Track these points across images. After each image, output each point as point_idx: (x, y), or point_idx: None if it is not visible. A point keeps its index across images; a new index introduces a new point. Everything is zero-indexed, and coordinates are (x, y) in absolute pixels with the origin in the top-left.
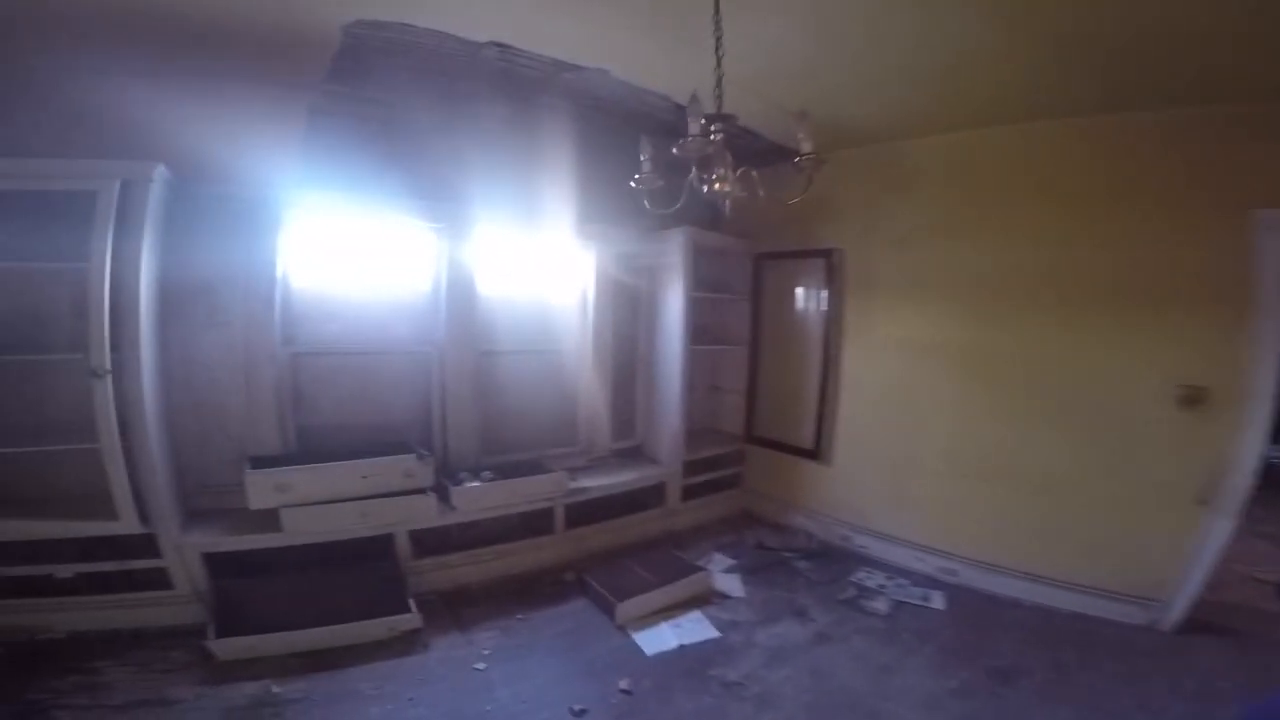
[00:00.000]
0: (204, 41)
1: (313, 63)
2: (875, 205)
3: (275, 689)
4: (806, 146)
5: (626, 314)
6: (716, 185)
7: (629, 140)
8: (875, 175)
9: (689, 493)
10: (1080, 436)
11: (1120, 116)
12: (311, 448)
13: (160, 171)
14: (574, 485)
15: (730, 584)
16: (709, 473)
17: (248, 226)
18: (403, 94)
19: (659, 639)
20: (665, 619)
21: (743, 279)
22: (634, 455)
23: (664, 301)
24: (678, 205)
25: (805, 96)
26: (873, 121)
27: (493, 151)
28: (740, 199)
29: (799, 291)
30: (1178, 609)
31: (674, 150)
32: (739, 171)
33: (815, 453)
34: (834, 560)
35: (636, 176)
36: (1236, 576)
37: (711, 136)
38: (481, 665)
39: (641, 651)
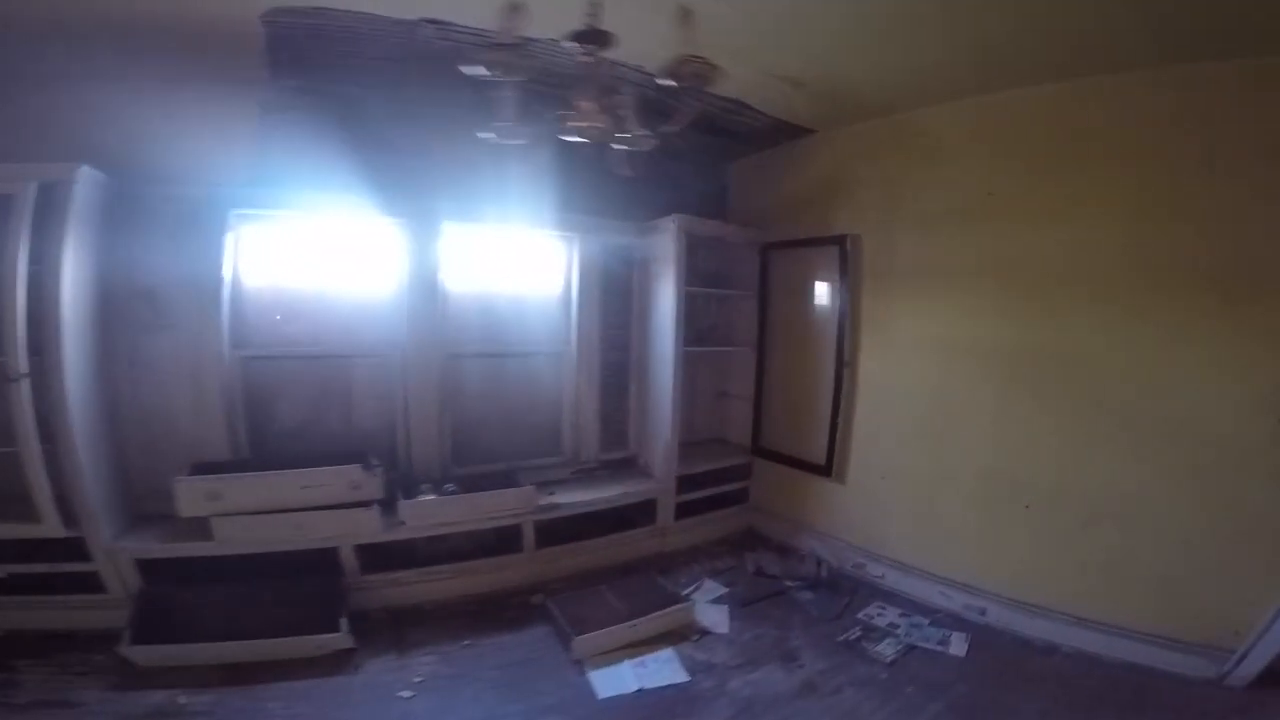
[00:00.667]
0: (126, 41)
1: (247, 58)
2: (895, 184)
3: (182, 700)
4: (687, 50)
5: (617, 313)
6: (579, 122)
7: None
8: (894, 150)
9: (685, 510)
10: (1151, 457)
11: (1214, 65)
12: (267, 455)
13: (84, 173)
14: (547, 500)
15: (715, 617)
16: (710, 488)
17: (195, 227)
18: (355, 84)
19: (617, 680)
20: (631, 655)
21: (750, 273)
22: (626, 467)
23: (656, 299)
24: (540, 156)
25: (803, 59)
26: (886, 87)
27: (460, 139)
28: (601, 134)
29: (810, 285)
30: (1256, 661)
31: (463, 69)
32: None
33: (827, 468)
34: (843, 591)
35: (490, 126)
36: None
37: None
38: (407, 694)
39: (593, 693)
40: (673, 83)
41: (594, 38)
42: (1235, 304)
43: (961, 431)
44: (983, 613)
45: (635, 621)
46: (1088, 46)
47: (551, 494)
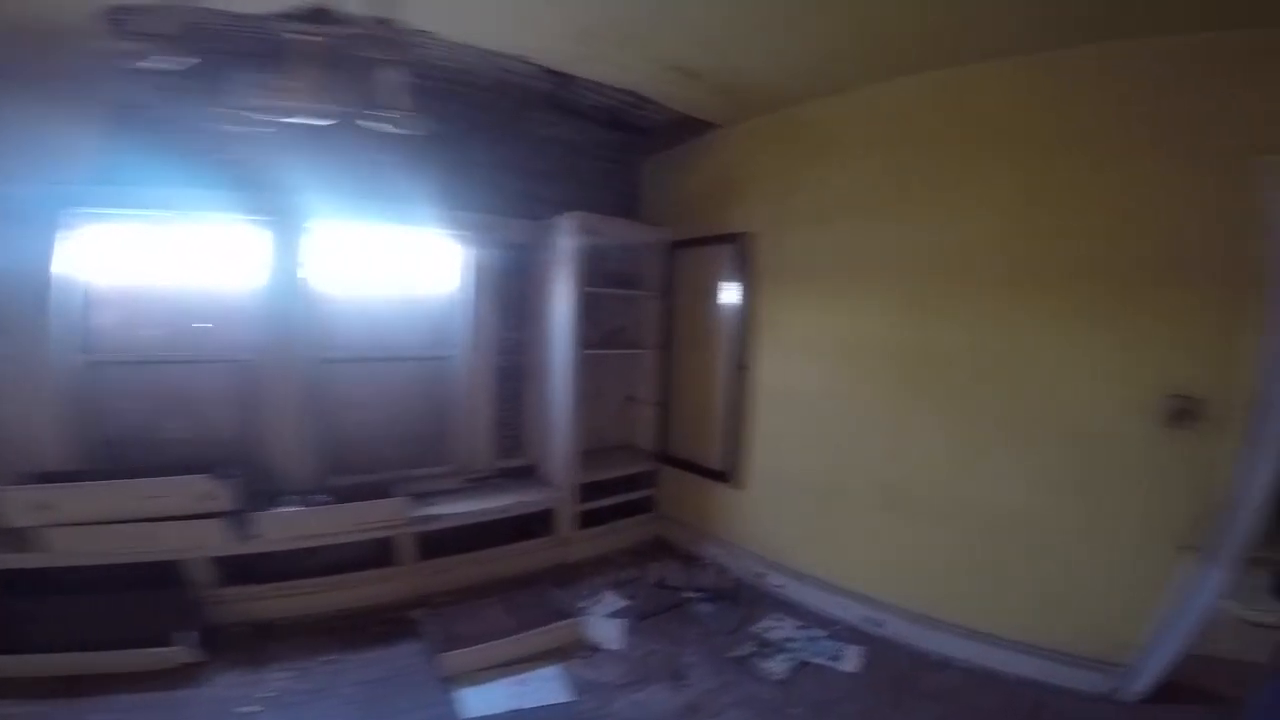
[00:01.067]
0: None
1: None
2: (788, 180)
3: (9, 710)
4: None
5: (514, 315)
6: (277, 100)
7: (505, 116)
8: (787, 144)
9: (590, 519)
10: (1038, 461)
11: (1082, 50)
12: (117, 463)
13: None
14: (424, 512)
15: (608, 632)
16: (616, 495)
17: (32, 227)
18: (219, 78)
19: (489, 700)
20: (512, 674)
21: (660, 273)
22: (524, 475)
23: (555, 300)
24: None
25: (694, 46)
26: (778, 78)
27: (335, 136)
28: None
29: (712, 285)
30: (1146, 675)
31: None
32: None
33: (726, 474)
34: (744, 603)
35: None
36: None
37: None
38: (251, 709)
39: (458, 713)
40: (372, 53)
41: (314, 16)
42: (1116, 302)
43: (856, 436)
44: (880, 625)
45: (517, 637)
46: (972, 30)
47: (433, 504)
